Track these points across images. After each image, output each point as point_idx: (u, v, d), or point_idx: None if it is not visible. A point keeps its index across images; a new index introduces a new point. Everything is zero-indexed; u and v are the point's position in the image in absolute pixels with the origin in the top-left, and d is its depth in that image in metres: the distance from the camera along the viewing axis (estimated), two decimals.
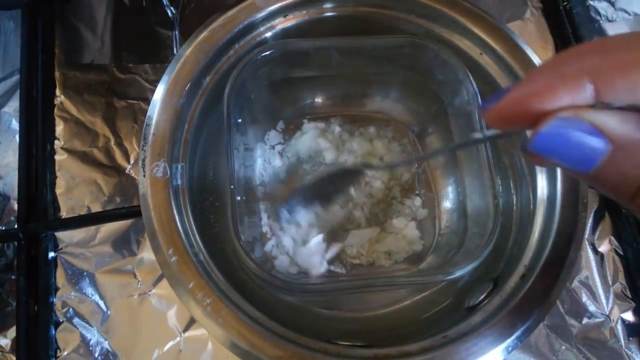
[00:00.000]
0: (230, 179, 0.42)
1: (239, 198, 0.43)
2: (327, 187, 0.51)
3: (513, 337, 0.41)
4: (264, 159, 0.57)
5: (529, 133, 0.23)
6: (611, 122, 0.21)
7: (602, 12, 0.68)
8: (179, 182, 0.44)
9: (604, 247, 0.57)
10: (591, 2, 0.68)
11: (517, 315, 0.42)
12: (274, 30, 0.50)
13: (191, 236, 0.43)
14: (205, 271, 0.41)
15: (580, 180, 0.22)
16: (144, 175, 0.42)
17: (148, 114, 0.45)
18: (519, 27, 0.66)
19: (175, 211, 0.42)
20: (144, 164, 0.43)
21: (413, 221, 0.55)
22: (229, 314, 0.39)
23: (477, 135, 0.35)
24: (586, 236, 0.57)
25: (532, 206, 0.47)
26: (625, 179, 0.21)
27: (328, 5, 0.51)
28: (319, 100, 0.58)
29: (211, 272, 0.41)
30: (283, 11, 0.50)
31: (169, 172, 0.43)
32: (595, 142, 0.21)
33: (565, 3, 0.66)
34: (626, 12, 0.68)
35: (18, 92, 0.60)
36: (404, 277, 0.44)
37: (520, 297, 0.42)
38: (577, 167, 0.22)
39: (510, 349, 0.41)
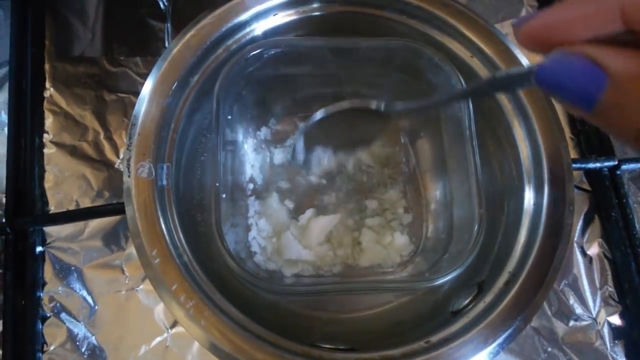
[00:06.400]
0: (214, 177, 0.42)
1: (224, 196, 0.43)
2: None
3: (496, 343, 0.41)
4: (254, 156, 0.56)
5: None
6: (611, 57, 0.20)
7: None
8: (165, 182, 0.43)
9: (592, 250, 0.57)
10: None
11: (500, 321, 0.42)
12: (263, 30, 0.49)
13: (175, 237, 0.42)
14: (188, 272, 0.41)
15: (588, 121, 0.22)
16: (129, 176, 0.42)
17: (134, 113, 0.44)
18: None
19: (159, 212, 0.42)
20: (129, 164, 0.42)
21: (399, 231, 0.54)
22: (212, 316, 0.39)
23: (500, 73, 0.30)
24: (575, 239, 0.57)
25: (519, 213, 0.47)
26: (628, 117, 0.20)
27: (316, 5, 0.50)
28: (310, 99, 0.57)
29: (195, 274, 0.41)
30: (272, 10, 0.49)
31: (154, 173, 0.42)
32: (594, 78, 0.20)
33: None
34: None
35: (7, 85, 0.59)
36: (388, 283, 0.44)
37: (505, 303, 0.42)
38: (578, 103, 0.21)
39: (492, 355, 0.41)
